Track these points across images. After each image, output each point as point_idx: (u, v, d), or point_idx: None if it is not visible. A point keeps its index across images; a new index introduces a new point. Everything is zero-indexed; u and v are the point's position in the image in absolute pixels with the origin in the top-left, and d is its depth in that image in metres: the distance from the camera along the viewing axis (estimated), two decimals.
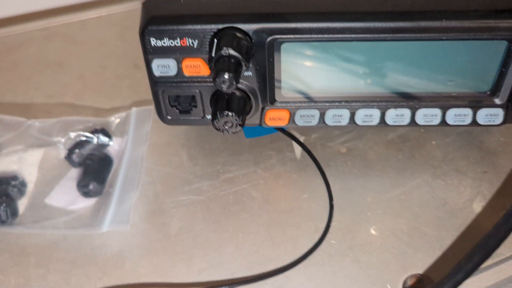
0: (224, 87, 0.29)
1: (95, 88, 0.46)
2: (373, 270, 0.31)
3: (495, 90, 0.34)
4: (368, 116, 0.35)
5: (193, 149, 0.40)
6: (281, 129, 0.41)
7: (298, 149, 0.39)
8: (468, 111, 0.35)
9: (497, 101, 0.34)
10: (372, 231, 0.34)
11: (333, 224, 0.34)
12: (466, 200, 0.35)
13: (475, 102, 0.34)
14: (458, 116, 0.35)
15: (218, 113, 0.32)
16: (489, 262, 0.32)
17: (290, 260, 0.32)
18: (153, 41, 0.31)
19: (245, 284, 0.30)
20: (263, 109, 0.35)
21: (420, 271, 0.31)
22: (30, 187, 0.36)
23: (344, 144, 0.40)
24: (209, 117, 0.35)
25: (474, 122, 0.35)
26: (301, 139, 0.40)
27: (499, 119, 0.35)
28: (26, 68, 0.49)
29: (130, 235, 0.34)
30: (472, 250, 0.26)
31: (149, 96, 0.35)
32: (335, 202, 0.35)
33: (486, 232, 0.26)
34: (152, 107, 0.41)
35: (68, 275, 0.31)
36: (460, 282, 0.26)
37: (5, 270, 0.32)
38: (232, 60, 0.29)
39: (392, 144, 0.40)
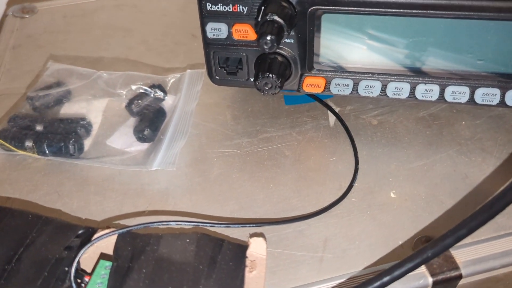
0: (266, 48, 0.33)
1: (156, 52, 0.51)
2: (387, 227, 0.34)
3: None
4: (398, 89, 0.38)
5: (236, 111, 0.44)
6: (319, 99, 0.44)
7: (332, 118, 0.43)
8: (497, 91, 0.36)
9: None
10: (392, 195, 0.36)
11: (356, 185, 0.37)
12: (487, 176, 0.37)
13: (504, 83, 0.36)
14: (486, 95, 0.36)
15: (260, 74, 0.36)
16: (501, 232, 0.34)
17: (312, 211, 0.35)
18: (208, 6, 0.35)
19: (271, 225, 0.34)
20: (301, 75, 0.39)
21: (433, 234, 0.34)
22: (94, 129, 0.42)
23: (376, 117, 0.43)
24: (252, 79, 0.39)
25: (502, 103, 0.37)
26: (337, 110, 0.43)
27: None
28: (98, 32, 0.55)
29: (175, 176, 0.38)
30: (478, 210, 0.29)
31: (202, 61, 0.40)
32: (360, 166, 0.38)
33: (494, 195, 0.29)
34: (203, 70, 0.46)
35: (120, 204, 0.37)
36: (463, 237, 0.28)
37: (70, 194, 0.37)
38: (275, 25, 0.33)
39: (422, 120, 0.42)
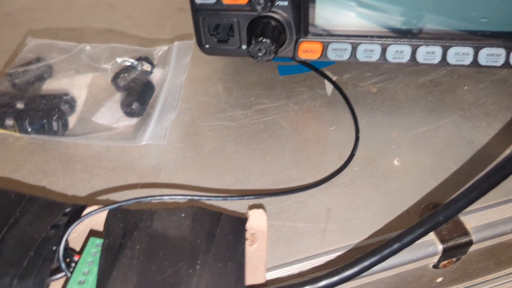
0: (259, 8, 0.31)
1: (142, 26, 0.49)
2: (392, 195, 0.33)
3: None
4: (399, 52, 0.36)
5: (228, 83, 0.42)
6: (314, 68, 0.42)
7: (329, 87, 0.41)
8: (501, 51, 0.35)
9: None
10: (395, 162, 0.35)
11: (357, 153, 0.35)
12: (493, 141, 0.36)
13: (509, 42, 0.34)
14: (491, 56, 0.35)
15: (253, 39, 0.34)
16: (510, 196, 0.32)
17: (313, 181, 0.34)
18: None
19: (270, 196, 0.32)
20: (296, 41, 0.37)
21: (440, 201, 0.32)
22: (79, 105, 0.39)
23: (375, 84, 0.41)
24: (244, 46, 0.37)
25: (507, 64, 0.35)
26: (333, 78, 0.41)
27: None
28: (79, 8, 0.53)
29: (167, 151, 0.36)
30: (490, 171, 0.27)
31: (190, 32, 0.38)
32: (361, 135, 0.37)
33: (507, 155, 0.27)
34: (192, 41, 0.43)
35: (109, 181, 0.34)
36: (474, 199, 0.27)
37: (55, 173, 0.35)
38: None
39: (423, 87, 0.40)
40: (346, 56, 0.36)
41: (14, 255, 0.27)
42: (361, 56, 0.36)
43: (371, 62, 0.37)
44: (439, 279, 0.33)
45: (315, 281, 0.26)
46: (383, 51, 0.36)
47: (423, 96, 0.39)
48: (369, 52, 0.36)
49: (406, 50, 0.36)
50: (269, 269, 0.29)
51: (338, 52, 0.36)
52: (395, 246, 0.26)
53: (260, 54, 0.35)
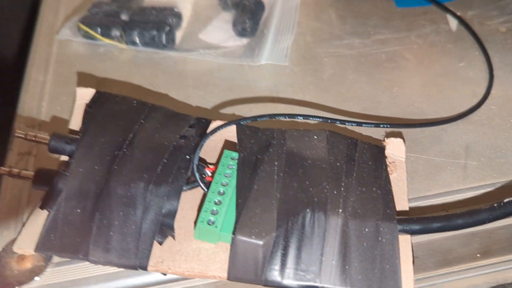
0: None
1: None
2: None
3: None
4: None
5: (341, 10, 0.39)
6: (436, 2, 0.39)
7: (453, 22, 0.38)
8: None
9: None
10: None
11: (492, 92, 0.33)
12: None
13: None
14: None
15: None
16: None
17: (446, 116, 0.31)
18: None
19: (407, 127, 0.30)
20: None
21: None
22: (184, 22, 0.37)
23: (504, 24, 0.37)
24: None
25: None
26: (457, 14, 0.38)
27: None
28: None
29: (283, 74, 0.34)
30: None
31: None
32: (495, 73, 0.34)
33: None
34: None
35: (224, 98, 0.32)
36: None
37: (166, 87, 0.33)
38: None
39: None
40: None
41: (146, 160, 0.26)
42: None
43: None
44: None
45: (474, 213, 0.24)
46: None
47: None
48: None
49: None
50: (410, 200, 0.27)
51: None
52: None
53: None
